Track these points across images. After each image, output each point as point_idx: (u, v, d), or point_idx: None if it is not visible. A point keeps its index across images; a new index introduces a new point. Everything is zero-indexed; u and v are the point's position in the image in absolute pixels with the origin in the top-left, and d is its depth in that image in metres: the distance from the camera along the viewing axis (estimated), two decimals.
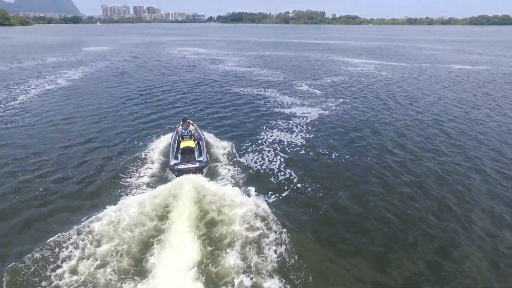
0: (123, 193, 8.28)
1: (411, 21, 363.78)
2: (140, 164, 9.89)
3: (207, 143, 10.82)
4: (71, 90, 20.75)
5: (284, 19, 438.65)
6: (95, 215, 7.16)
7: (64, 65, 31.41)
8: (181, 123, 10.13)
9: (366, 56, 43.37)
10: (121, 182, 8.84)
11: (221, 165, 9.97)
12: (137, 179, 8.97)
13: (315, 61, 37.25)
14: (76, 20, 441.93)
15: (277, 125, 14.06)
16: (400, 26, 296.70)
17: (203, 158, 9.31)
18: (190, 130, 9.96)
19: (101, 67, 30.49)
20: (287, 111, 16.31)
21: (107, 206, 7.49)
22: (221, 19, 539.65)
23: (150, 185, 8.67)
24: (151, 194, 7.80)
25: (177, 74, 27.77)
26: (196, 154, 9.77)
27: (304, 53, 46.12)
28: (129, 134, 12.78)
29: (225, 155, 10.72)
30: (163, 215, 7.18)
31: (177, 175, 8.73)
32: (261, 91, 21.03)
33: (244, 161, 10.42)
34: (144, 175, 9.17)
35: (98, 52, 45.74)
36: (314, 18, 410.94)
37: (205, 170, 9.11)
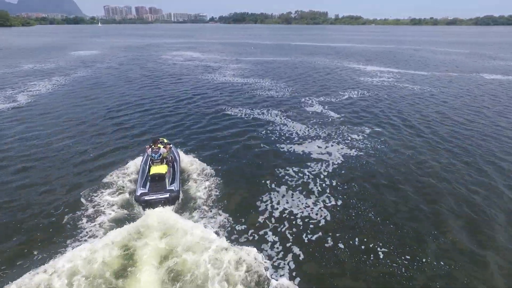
0: (79, 236, 7.09)
1: (415, 22, 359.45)
2: (103, 195, 8.55)
3: (183, 169, 9.80)
4: (28, 109, 16.91)
5: (286, 19, 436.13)
6: (43, 266, 6.00)
7: (36, 75, 27.46)
8: (151, 144, 9.01)
9: (378, 62, 39.10)
10: (77, 222, 7.50)
11: (198, 194, 8.66)
12: (97, 216, 7.72)
13: (323, 69, 33.06)
14: (77, 20, 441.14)
15: (286, 177, 9.97)
16: (404, 26, 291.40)
17: (174, 186, 8.34)
18: (161, 153, 8.76)
19: (78, 77, 26.50)
20: (298, 149, 12.18)
21: (56, 256, 6.40)
22: (223, 20, 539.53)
23: (112, 222, 7.52)
24: (110, 237, 6.78)
25: (162, 86, 23.71)
26: (168, 181, 8.59)
27: (309, 58, 41.93)
28: (95, 158, 11.11)
29: (203, 182, 9.28)
30: (124, 261, 6.26)
31: (144, 207, 7.85)
32: (262, 112, 16.93)
33: (230, 194, 8.86)
34: (107, 209, 7.97)
35: (84, 57, 41.82)
36: (316, 19, 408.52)
37: (176, 201, 8.12)
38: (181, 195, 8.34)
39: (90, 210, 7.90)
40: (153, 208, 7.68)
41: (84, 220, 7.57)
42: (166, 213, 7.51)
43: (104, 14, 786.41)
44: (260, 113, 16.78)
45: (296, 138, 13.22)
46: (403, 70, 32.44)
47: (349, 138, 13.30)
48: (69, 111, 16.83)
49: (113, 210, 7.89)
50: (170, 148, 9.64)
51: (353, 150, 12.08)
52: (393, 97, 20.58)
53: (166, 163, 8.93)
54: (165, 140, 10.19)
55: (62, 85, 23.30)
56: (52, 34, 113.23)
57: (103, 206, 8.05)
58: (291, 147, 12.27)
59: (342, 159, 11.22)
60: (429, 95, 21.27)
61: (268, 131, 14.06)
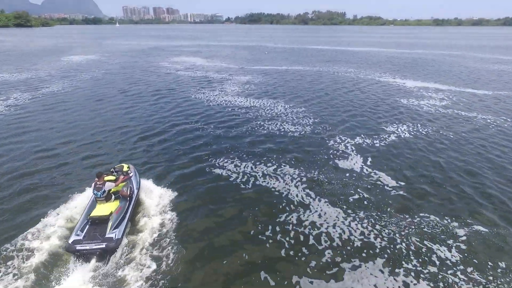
0: None
1: (438, 22, 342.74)
2: (32, 239, 6.88)
3: (143, 203, 8.34)
4: None
5: (303, 20, 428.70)
6: None
7: (5, 86, 22.52)
8: (96, 179, 7.39)
9: (416, 73, 31.97)
10: None
11: (150, 241, 7.03)
12: (17, 268, 6.16)
13: (347, 83, 26.43)
14: (96, 21, 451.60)
15: None
16: (427, 27, 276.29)
17: (116, 232, 6.81)
18: (105, 190, 7.26)
19: (45, 94, 21.27)
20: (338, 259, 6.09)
21: None
22: (238, 20, 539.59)
23: (37, 277, 5.94)
24: None
25: (139, 107, 17.96)
26: (111, 225, 6.94)
27: (329, 67, 35.27)
28: (39, 191, 8.97)
29: (163, 223, 7.59)
30: None
31: (77, 257, 6.49)
32: (267, 172, 10.67)
33: (192, 242, 7.10)
34: (32, 259, 6.37)
35: (73, 64, 37.01)
36: (334, 19, 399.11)
37: (115, 253, 6.61)
38: (124, 242, 6.86)
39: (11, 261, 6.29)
40: (86, 260, 6.41)
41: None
42: (99, 269, 6.24)
43: (122, 14, 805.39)
44: (264, 173, 10.59)
45: (336, 247, 6.98)
46: (454, 87, 25.32)
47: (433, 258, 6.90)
48: (13, 139, 12.11)
49: (40, 261, 6.34)
50: (129, 178, 8.37)
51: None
52: (467, 139, 13.86)
53: (117, 199, 7.63)
54: (126, 168, 8.76)
55: (17, 106, 18.04)
56: (63, 36, 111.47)
57: (26, 256, 6.46)
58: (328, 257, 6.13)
59: None
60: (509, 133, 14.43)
61: (288, 218, 7.95)
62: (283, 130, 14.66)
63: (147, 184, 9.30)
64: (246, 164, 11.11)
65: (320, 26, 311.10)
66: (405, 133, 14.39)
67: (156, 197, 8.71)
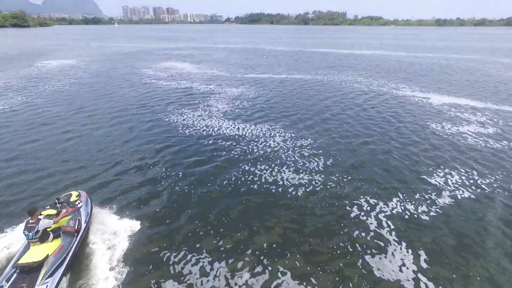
0: None
1: (440, 23, 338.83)
2: None
3: (92, 243, 6.91)
4: None
5: (303, 20, 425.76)
6: None
7: None
8: (28, 218, 6.24)
9: (438, 85, 27.37)
10: None
11: None
12: None
13: (360, 96, 21.83)
14: (96, 21, 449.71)
15: None
16: (429, 28, 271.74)
17: (48, 284, 5.57)
18: (38, 230, 6.08)
19: (8, 106, 16.77)
20: None
21: None
22: (238, 20, 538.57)
23: None
24: None
25: (96, 135, 13.34)
26: (45, 272, 5.77)
27: (333, 76, 30.68)
28: None
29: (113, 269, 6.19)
30: None
31: None
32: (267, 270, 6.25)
33: None
34: None
35: (46, 70, 32.48)
36: (334, 19, 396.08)
37: None
38: None
39: None
40: None
41: None
42: None
43: (122, 14, 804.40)
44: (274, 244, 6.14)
45: None
46: (492, 103, 20.69)
47: None
48: None
49: None
50: (77, 209, 7.29)
51: None
52: None
53: (57, 238, 6.44)
54: (75, 197, 7.70)
55: None
56: (53, 37, 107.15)
57: None
58: None
59: None
60: None
61: None
62: (281, 183, 10.04)
63: (102, 213, 8.06)
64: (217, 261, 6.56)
65: (320, 26, 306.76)
66: (460, 191, 9.76)
67: (111, 231, 7.42)
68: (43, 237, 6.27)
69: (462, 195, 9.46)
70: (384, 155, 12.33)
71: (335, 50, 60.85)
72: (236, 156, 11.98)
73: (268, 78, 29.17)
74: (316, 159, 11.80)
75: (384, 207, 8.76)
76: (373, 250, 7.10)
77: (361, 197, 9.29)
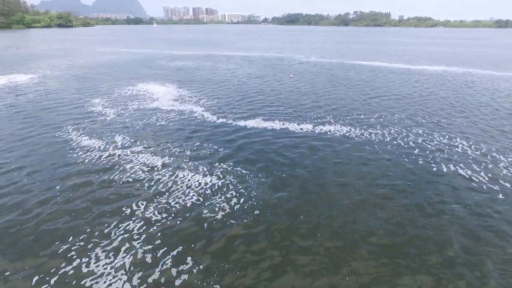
0: None
1: (500, 24, 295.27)
2: None
3: None
4: None
5: (343, 21, 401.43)
6: None
7: None
8: None
9: None
10: None
11: None
12: None
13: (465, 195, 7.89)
14: (137, 21, 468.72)
15: None
16: (487, 29, 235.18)
17: None
18: None
19: None
20: None
21: None
22: (276, 20, 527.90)
23: None
24: None
25: None
26: None
27: (402, 126, 16.47)
28: None
29: None
30: None
31: None
32: None
33: None
34: None
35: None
36: (377, 20, 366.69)
37: None
38: None
39: None
40: None
41: None
42: None
43: (164, 14, 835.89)
44: None
45: None
46: None
47: None
48: None
49: None
50: None
51: None
52: None
53: None
54: None
55: None
56: (70, 38, 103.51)
57: None
58: None
59: None
60: None
61: None
62: None
63: None
64: None
65: (362, 28, 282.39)
66: None
67: None
68: None
69: None
70: None
71: (386, 63, 44.97)
72: None
73: (284, 132, 15.82)
74: None
75: None
76: None
77: None
